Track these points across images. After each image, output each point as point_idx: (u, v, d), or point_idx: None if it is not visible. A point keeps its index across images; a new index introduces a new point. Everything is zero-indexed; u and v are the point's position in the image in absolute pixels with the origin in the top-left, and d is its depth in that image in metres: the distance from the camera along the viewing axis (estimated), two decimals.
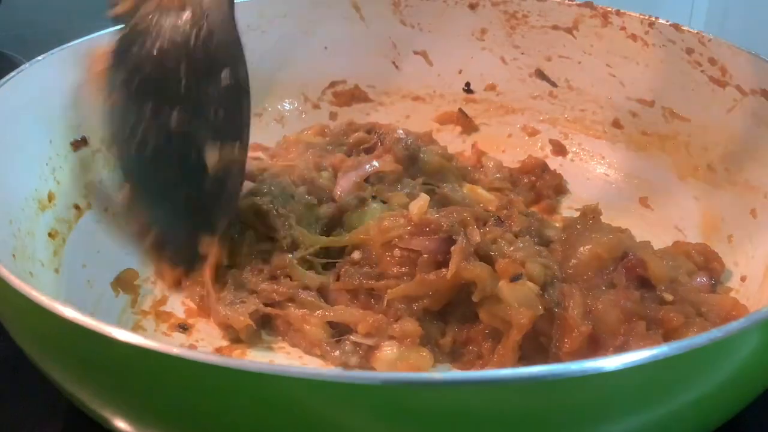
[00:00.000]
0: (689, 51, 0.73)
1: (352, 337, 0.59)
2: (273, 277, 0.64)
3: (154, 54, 0.61)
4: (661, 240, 0.72)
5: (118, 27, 0.75)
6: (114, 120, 0.63)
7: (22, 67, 0.66)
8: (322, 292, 0.63)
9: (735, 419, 0.48)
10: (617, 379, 0.39)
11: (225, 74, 0.60)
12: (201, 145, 0.60)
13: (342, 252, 0.65)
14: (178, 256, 0.65)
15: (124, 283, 0.67)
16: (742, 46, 0.69)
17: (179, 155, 0.61)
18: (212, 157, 0.60)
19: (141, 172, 0.63)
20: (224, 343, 0.62)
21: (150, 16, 0.61)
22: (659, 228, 0.73)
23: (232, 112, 0.61)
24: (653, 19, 0.76)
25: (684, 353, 0.38)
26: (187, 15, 0.60)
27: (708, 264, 0.64)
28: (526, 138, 0.86)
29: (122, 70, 0.62)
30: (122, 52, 0.62)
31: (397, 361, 0.57)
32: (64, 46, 0.71)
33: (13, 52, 0.99)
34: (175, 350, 0.38)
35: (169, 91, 0.60)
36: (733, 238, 0.67)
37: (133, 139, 0.62)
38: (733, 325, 0.40)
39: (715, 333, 0.39)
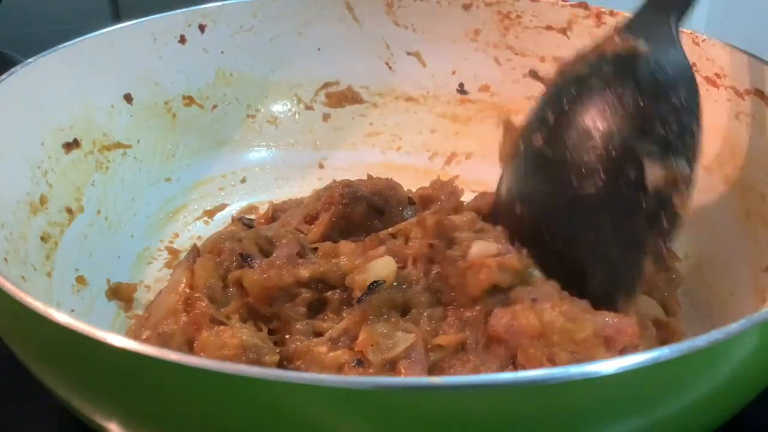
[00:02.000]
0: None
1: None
2: None
3: (590, 85, 0.59)
4: None
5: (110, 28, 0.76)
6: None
7: (14, 69, 0.66)
8: None
9: (735, 419, 0.48)
10: (616, 382, 0.39)
11: (675, 94, 0.58)
12: (641, 161, 0.56)
13: None
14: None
15: (120, 293, 0.66)
16: (744, 46, 0.69)
17: (612, 170, 0.57)
18: (655, 175, 0.55)
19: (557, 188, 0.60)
20: None
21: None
22: None
23: (680, 130, 0.57)
24: None
25: (684, 355, 0.38)
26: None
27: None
28: None
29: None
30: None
31: None
32: (55, 48, 0.70)
33: (13, 52, 0.98)
34: (172, 356, 0.38)
35: (610, 113, 0.58)
36: (726, 239, 0.67)
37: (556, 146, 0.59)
38: (733, 327, 0.39)
39: (715, 335, 0.38)
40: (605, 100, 0.58)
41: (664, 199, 0.55)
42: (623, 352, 0.54)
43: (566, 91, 0.60)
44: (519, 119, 0.85)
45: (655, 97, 0.57)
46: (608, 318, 0.55)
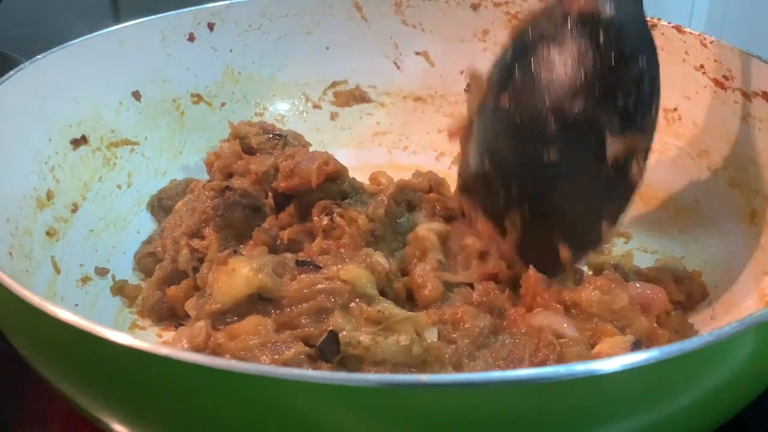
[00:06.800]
0: (691, 53, 0.73)
1: None
2: None
3: (554, 45, 0.60)
4: (660, 243, 0.72)
5: (119, 26, 0.76)
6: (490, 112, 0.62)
7: (22, 65, 0.67)
8: None
9: (735, 420, 0.48)
10: (613, 381, 0.39)
11: (636, 64, 0.59)
12: (602, 132, 0.58)
13: None
14: (544, 257, 0.61)
15: (125, 292, 0.67)
16: (743, 47, 0.69)
17: (574, 143, 0.59)
18: (617, 144, 0.57)
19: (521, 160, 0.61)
20: None
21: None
22: (659, 231, 0.73)
23: (641, 101, 0.59)
24: (655, 20, 0.76)
25: (675, 357, 0.38)
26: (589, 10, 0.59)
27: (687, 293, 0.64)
28: None
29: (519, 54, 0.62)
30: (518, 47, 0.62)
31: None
32: (64, 45, 0.71)
33: (13, 52, 0.99)
34: (164, 351, 0.38)
35: (572, 78, 0.59)
36: (731, 242, 0.66)
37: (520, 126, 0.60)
38: (725, 330, 0.39)
39: (707, 337, 0.38)
40: (570, 68, 0.59)
41: (622, 168, 0.58)
42: (660, 317, 0.58)
43: (533, 52, 0.61)
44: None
45: (618, 66, 0.58)
46: (639, 288, 0.59)
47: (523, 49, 0.61)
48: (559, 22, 0.59)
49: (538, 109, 0.59)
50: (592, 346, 0.54)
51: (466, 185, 0.67)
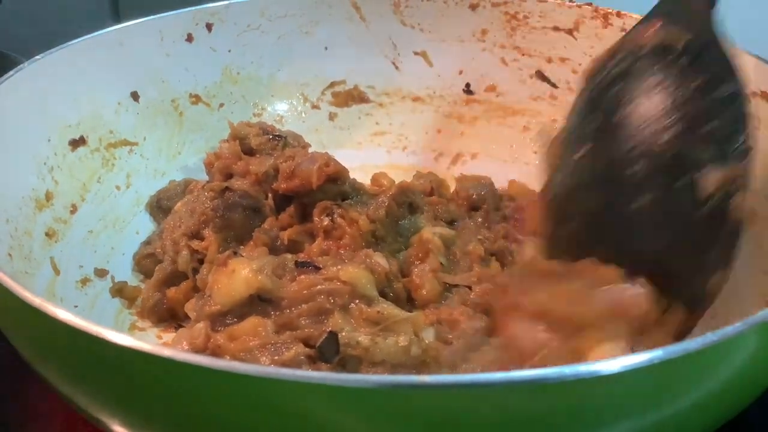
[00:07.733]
0: None
1: None
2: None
3: (630, 82, 0.54)
4: None
5: (118, 26, 0.76)
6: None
7: (21, 66, 0.67)
8: None
9: (736, 419, 0.48)
10: (616, 382, 0.39)
11: (720, 90, 0.53)
12: (693, 167, 0.51)
13: None
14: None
15: (125, 293, 0.67)
16: (743, 47, 0.69)
17: (661, 180, 0.52)
18: (711, 178, 0.51)
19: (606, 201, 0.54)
20: None
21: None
22: None
23: (730, 130, 0.53)
24: None
25: (678, 357, 0.38)
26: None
27: None
28: (527, 139, 0.85)
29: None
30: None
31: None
32: (63, 45, 0.71)
33: (13, 52, 0.99)
34: (165, 352, 0.38)
35: (655, 113, 0.53)
36: None
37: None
38: (728, 330, 0.39)
39: (711, 337, 0.38)
40: (648, 103, 0.53)
41: (721, 207, 0.52)
42: (639, 325, 0.52)
43: (606, 95, 0.55)
44: (525, 120, 0.86)
45: (702, 93, 0.52)
46: (615, 291, 0.52)
47: (598, 93, 0.56)
48: (634, 56, 0.55)
49: (623, 154, 0.53)
50: (578, 358, 0.52)
51: (551, 249, 0.59)
